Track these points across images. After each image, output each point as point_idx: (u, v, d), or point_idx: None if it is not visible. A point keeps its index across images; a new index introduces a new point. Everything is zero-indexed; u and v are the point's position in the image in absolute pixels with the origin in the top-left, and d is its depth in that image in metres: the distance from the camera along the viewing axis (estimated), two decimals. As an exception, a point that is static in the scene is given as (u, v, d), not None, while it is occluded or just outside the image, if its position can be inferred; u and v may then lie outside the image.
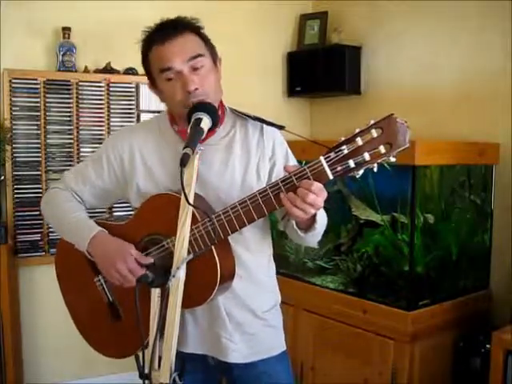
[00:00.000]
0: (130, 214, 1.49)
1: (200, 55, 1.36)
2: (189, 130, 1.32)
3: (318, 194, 1.19)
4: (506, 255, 2.68)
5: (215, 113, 1.35)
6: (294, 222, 1.33)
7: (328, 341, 2.70)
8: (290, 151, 1.51)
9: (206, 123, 1.32)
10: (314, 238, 1.40)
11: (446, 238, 2.64)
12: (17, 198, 2.85)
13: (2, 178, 2.81)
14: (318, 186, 1.19)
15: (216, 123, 1.36)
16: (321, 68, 3.38)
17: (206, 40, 1.41)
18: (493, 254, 2.77)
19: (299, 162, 1.50)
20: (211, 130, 1.39)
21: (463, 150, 2.59)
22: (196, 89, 1.34)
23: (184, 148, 1.26)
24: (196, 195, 1.35)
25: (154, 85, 1.43)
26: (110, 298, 1.49)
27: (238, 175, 1.42)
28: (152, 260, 1.37)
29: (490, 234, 2.77)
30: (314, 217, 1.31)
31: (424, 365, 2.42)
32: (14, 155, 2.83)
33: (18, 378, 2.78)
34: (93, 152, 1.61)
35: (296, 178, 1.20)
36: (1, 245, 2.63)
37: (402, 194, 2.46)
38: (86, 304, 1.54)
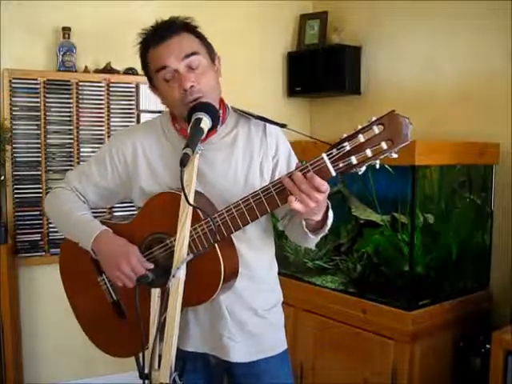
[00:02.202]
0: (132, 214, 1.49)
1: (195, 53, 1.36)
2: (189, 130, 1.32)
3: (318, 187, 1.17)
4: (506, 255, 2.68)
5: (215, 113, 1.35)
6: (304, 223, 1.33)
7: (328, 341, 2.70)
8: (292, 150, 1.52)
9: (205, 123, 1.32)
10: (318, 239, 1.41)
11: (446, 238, 2.64)
12: (17, 198, 2.85)
13: (2, 178, 2.81)
14: (319, 182, 1.16)
15: (216, 123, 1.36)
16: (321, 68, 3.39)
17: (202, 38, 1.41)
18: (493, 254, 2.77)
19: (300, 161, 1.50)
20: (212, 129, 1.39)
21: (463, 150, 2.59)
22: (192, 86, 1.34)
23: (184, 148, 1.26)
24: (196, 192, 1.35)
25: (153, 86, 1.44)
26: (115, 298, 1.49)
27: (241, 174, 1.42)
28: (152, 266, 1.38)
29: (490, 234, 2.77)
30: (324, 220, 1.32)
31: (424, 365, 2.42)
32: (14, 155, 2.83)
33: (17, 378, 2.78)
34: (94, 152, 1.61)
35: None
36: (1, 245, 2.63)
37: (402, 194, 2.46)
38: (90, 303, 1.54)
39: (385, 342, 2.45)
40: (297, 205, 1.19)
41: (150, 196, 1.42)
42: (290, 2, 3.61)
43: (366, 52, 3.38)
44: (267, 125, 1.46)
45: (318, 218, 1.28)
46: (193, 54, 1.35)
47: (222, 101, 1.48)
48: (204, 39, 1.42)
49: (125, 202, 1.56)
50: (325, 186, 1.17)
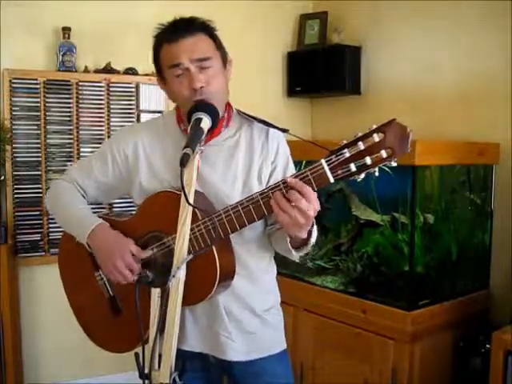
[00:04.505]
0: (131, 210, 1.50)
1: (208, 58, 1.37)
2: (189, 130, 1.32)
3: (307, 198, 1.17)
4: (506, 255, 2.68)
5: (215, 113, 1.35)
6: (288, 239, 1.34)
7: (328, 341, 2.70)
8: (290, 157, 1.52)
9: (205, 123, 1.33)
10: (301, 254, 1.41)
11: (446, 238, 2.64)
12: (17, 198, 2.85)
13: (2, 178, 2.81)
14: (308, 190, 1.17)
15: (216, 123, 1.37)
16: (321, 68, 3.38)
17: (217, 42, 1.42)
18: (493, 254, 2.77)
19: (300, 162, 1.51)
20: (213, 130, 1.39)
21: (463, 150, 2.59)
22: (202, 87, 1.35)
23: (184, 148, 1.26)
24: (196, 192, 1.35)
25: (163, 82, 1.44)
26: (111, 293, 1.50)
27: (240, 178, 1.43)
28: (150, 253, 1.38)
29: (490, 234, 2.77)
30: (308, 238, 1.31)
31: (424, 365, 2.42)
32: (14, 155, 2.83)
33: (17, 378, 2.78)
34: (94, 152, 1.62)
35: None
36: (1, 245, 2.63)
37: (402, 194, 2.46)
38: (87, 298, 1.54)
39: (385, 342, 2.45)
40: (283, 216, 1.19)
41: (149, 194, 1.42)
42: (290, 2, 3.61)
43: (366, 52, 3.38)
44: (270, 130, 1.46)
45: (303, 235, 1.27)
46: (205, 59, 1.36)
47: (228, 104, 1.48)
48: (219, 43, 1.43)
49: (124, 199, 1.56)
50: (304, 206, 1.17)
